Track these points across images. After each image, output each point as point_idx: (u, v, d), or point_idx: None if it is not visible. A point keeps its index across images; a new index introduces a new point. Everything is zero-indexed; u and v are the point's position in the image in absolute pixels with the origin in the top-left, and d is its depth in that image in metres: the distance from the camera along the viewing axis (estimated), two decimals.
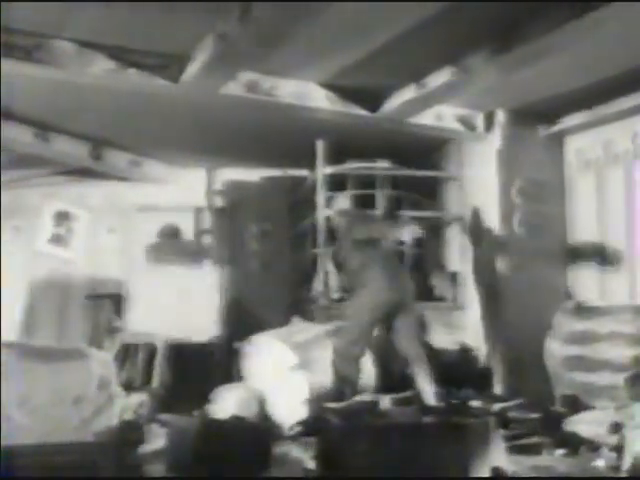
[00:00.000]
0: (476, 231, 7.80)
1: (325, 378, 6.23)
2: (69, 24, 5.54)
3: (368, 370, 6.52)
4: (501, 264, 7.51)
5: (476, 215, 7.80)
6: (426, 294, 7.95)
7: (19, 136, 7.92)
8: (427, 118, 7.31)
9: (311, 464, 4.77)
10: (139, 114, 7.38)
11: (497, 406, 6.18)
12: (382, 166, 8.23)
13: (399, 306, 6.40)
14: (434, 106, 7.14)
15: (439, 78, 6.31)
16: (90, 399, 4.07)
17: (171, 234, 9.39)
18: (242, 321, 8.62)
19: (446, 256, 8.56)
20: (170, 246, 9.38)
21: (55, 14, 5.39)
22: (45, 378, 4.00)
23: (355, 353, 6.31)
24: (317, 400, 5.99)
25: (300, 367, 6.23)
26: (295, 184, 9.24)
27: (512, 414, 5.93)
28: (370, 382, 6.52)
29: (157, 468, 4.72)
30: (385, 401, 6.22)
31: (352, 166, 8.17)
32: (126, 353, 7.38)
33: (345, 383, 6.24)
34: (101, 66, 5.86)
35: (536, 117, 7.53)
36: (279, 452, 5.09)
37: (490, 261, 7.57)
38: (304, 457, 4.99)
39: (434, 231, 8.50)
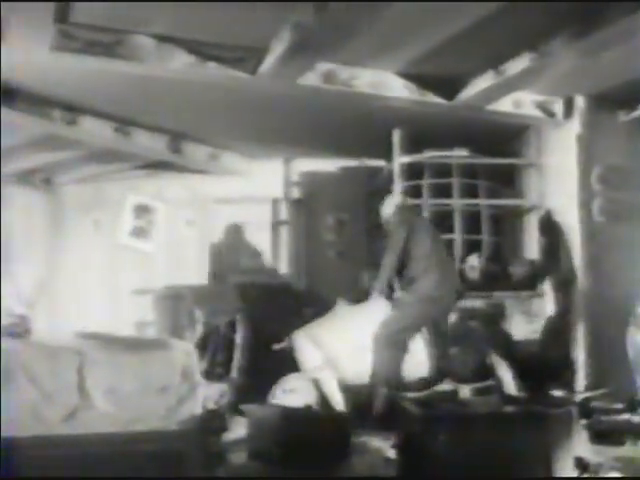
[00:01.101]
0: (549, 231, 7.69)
1: (353, 374, 6.12)
2: (149, 20, 5.62)
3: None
4: (580, 252, 7.40)
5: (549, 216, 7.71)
6: (505, 283, 7.88)
7: (99, 131, 8.06)
8: (505, 105, 7.23)
9: (391, 453, 4.77)
10: (217, 107, 7.45)
11: (580, 396, 6.10)
12: (459, 155, 8.16)
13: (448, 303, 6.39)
14: (512, 93, 7.06)
15: (518, 64, 6.23)
16: (174, 388, 4.12)
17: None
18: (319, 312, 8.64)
19: (525, 244, 8.46)
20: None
21: (135, 10, 5.48)
22: (130, 368, 4.07)
23: (399, 342, 6.16)
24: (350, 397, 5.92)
25: (325, 366, 6.15)
26: (372, 174, 9.23)
27: (595, 404, 5.86)
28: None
29: (239, 456, 4.78)
30: (465, 390, 6.18)
31: (429, 155, 8.13)
32: (206, 343, 7.44)
33: (379, 379, 6.05)
34: (180, 60, 5.93)
35: (616, 102, 7.40)
36: (358, 441, 5.10)
37: (566, 251, 7.47)
38: (384, 446, 4.99)
39: (513, 219, 8.42)
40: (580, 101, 7.40)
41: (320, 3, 5.04)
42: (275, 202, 9.73)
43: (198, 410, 4.20)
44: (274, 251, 9.74)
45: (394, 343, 6.13)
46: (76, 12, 5.46)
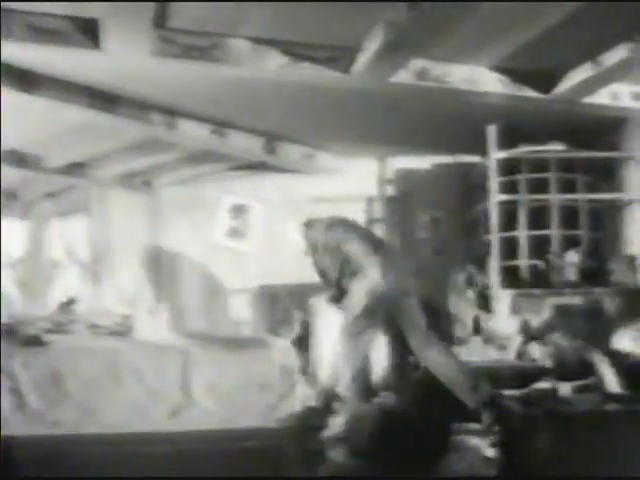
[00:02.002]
0: None
1: None
2: (243, 22, 5.69)
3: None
4: None
5: None
6: (603, 279, 7.74)
7: (196, 133, 8.20)
8: (602, 97, 7.10)
9: (490, 452, 4.74)
10: (311, 107, 7.51)
11: None
12: (556, 149, 8.04)
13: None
14: (610, 84, 6.93)
15: (615, 55, 6.12)
16: (273, 386, 4.18)
17: None
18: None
19: (625, 239, 8.28)
20: None
21: (229, 13, 5.56)
22: (231, 366, 4.14)
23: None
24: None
25: None
26: (466, 170, 9.16)
27: None
28: None
29: (338, 453, 4.81)
30: (565, 388, 6.09)
31: (525, 150, 8.03)
32: (303, 341, 7.50)
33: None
34: (275, 62, 6.00)
35: None
36: (456, 439, 5.08)
37: None
38: (482, 445, 4.96)
39: (612, 214, 8.26)
40: None
41: (414, 0, 5.04)
42: (369, 200, 9.74)
43: (297, 407, 4.24)
44: None
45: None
46: (174, 17, 5.58)
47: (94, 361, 4.00)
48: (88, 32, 5.65)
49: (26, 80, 6.62)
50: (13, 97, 6.68)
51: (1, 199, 9.75)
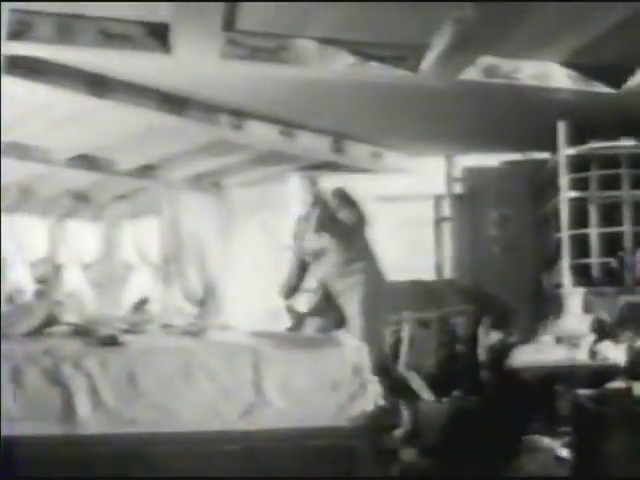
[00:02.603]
0: None
1: None
2: (310, 23, 5.72)
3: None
4: None
5: None
6: None
7: (265, 134, 8.26)
8: None
9: (563, 452, 4.69)
10: (379, 106, 7.51)
11: None
12: (627, 144, 7.92)
13: None
14: None
15: None
16: (345, 385, 4.18)
17: None
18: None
19: None
20: None
21: (296, 14, 5.59)
22: (303, 365, 4.15)
23: None
24: None
25: None
26: (536, 167, 9.07)
27: None
28: None
29: (409, 452, 4.81)
30: (638, 387, 5.99)
31: (595, 146, 7.92)
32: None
33: None
34: (342, 62, 6.01)
35: None
36: (528, 439, 5.04)
37: None
38: (555, 445, 4.92)
39: None
40: None
41: None
42: (438, 199, 9.70)
43: (369, 406, 4.24)
44: (437, 248, 9.72)
45: None
46: (241, 19, 5.62)
47: (168, 361, 4.04)
48: (158, 36, 5.74)
49: (97, 85, 6.75)
50: (85, 102, 6.81)
51: (68, 201, 9.93)
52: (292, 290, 6.52)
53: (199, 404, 3.99)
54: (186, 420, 3.97)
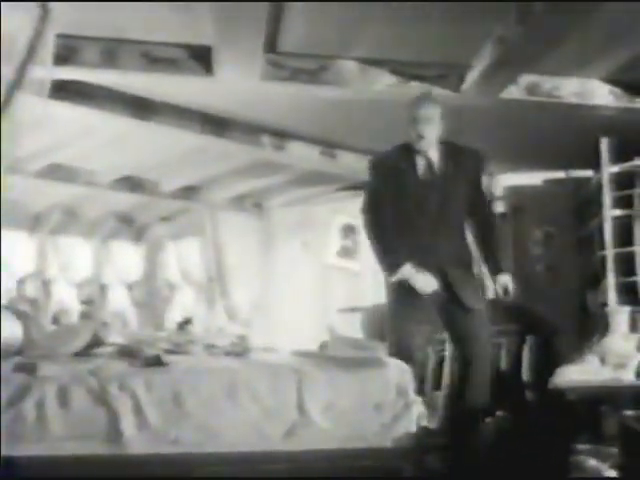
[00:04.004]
0: None
1: None
2: (351, 43, 5.75)
3: None
4: None
5: None
6: None
7: (306, 155, 8.29)
8: None
9: (611, 473, 4.63)
10: None
11: None
12: None
13: None
14: None
15: None
16: (389, 406, 4.18)
17: None
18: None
19: None
20: None
21: (337, 35, 5.63)
22: (346, 385, 4.16)
23: None
24: None
25: None
26: (579, 185, 9.00)
27: None
28: None
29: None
30: None
31: (639, 163, 7.84)
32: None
33: None
34: (383, 82, 6.03)
35: None
36: (576, 460, 4.98)
37: None
38: (602, 466, 4.85)
39: None
40: None
41: (523, 11, 5.00)
42: None
43: (413, 427, 4.23)
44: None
45: None
46: (283, 41, 5.67)
47: (212, 381, 4.06)
48: (201, 59, 5.81)
49: (141, 107, 6.84)
50: (128, 124, 6.89)
51: (112, 222, 10.02)
52: None
53: (243, 424, 4.00)
54: (230, 440, 3.98)
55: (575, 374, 6.43)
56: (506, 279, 5.15)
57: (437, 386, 7.12)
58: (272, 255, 10.21)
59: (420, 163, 5.03)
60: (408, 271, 4.88)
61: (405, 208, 4.98)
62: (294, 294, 9.94)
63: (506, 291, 5.14)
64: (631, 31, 5.48)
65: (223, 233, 10.14)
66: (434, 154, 5.05)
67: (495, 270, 5.17)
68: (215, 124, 7.41)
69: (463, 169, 5.07)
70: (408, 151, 5.05)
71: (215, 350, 5.36)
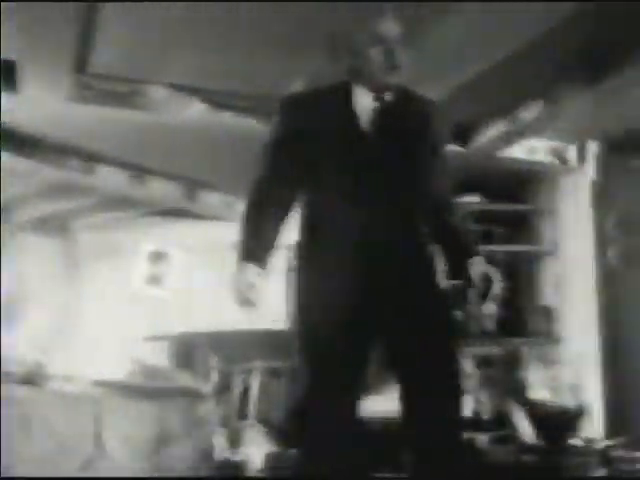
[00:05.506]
0: None
1: None
2: (164, 69, 5.69)
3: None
4: (597, 299, 7.36)
5: None
6: (520, 329, 7.83)
7: (114, 178, 8.12)
8: (519, 151, 7.24)
9: None
10: (233, 155, 7.49)
11: (599, 444, 6.04)
12: (471, 200, 8.15)
13: None
14: (526, 139, 7.08)
15: (530, 111, 6.26)
16: (191, 436, 4.12)
17: None
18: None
19: (540, 289, 8.43)
20: None
21: (150, 59, 5.55)
22: (148, 416, 4.08)
23: None
24: None
25: None
26: None
27: (615, 453, 5.79)
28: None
29: None
30: (481, 439, 6.12)
31: None
32: (222, 390, 7.41)
33: None
34: (195, 109, 5.99)
35: (630, 148, 7.38)
36: None
37: None
38: None
39: (527, 265, 8.39)
40: (594, 147, 7.41)
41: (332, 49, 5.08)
42: (290, 247, 9.74)
43: (217, 457, 4.19)
44: (289, 297, 9.73)
45: None
46: (93, 62, 5.54)
47: (3, 412, 3.87)
48: (6, 74, 5.58)
49: None
50: None
51: None
52: None
53: (36, 457, 3.84)
54: (23, 475, 3.81)
55: (378, 404, 6.55)
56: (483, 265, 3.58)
57: (243, 416, 7.10)
58: (76, 280, 9.91)
59: (363, 112, 3.40)
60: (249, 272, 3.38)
61: (329, 176, 3.42)
62: (99, 321, 9.66)
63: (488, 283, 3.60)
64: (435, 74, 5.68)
65: (25, 255, 9.77)
66: (389, 101, 3.42)
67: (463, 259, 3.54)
68: (20, 143, 7.14)
69: (422, 127, 3.51)
70: (345, 93, 3.46)
71: (9, 378, 5.12)
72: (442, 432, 3.26)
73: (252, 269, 3.36)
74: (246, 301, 3.35)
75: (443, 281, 3.58)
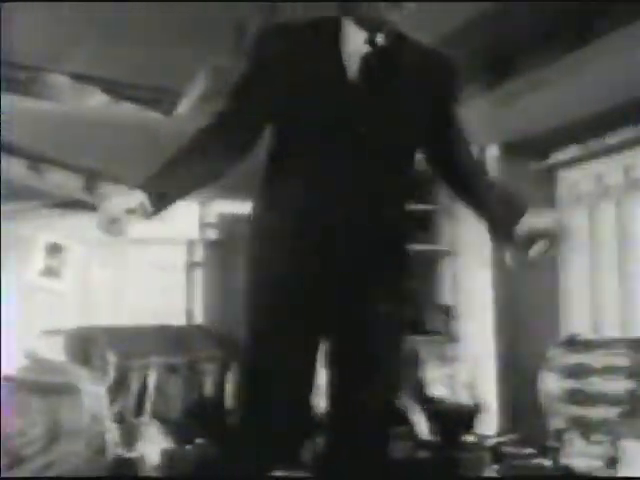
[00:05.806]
0: None
1: None
2: (65, 57, 5.59)
3: None
4: (494, 298, 7.51)
5: None
6: (419, 327, 7.94)
7: (13, 168, 7.94)
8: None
9: None
10: (133, 147, 7.40)
11: (491, 441, 6.16)
12: None
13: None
14: None
15: None
16: (83, 433, 4.05)
17: None
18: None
19: (438, 289, 8.56)
20: None
21: (51, 47, 5.44)
22: (40, 412, 3.99)
23: None
24: None
25: None
26: None
27: (506, 449, 5.91)
28: None
29: None
30: None
31: None
32: (118, 386, 7.31)
33: None
34: (95, 99, 5.90)
35: (529, 151, 7.53)
36: None
37: None
38: None
39: (426, 264, 8.51)
40: (493, 149, 7.53)
41: (236, 41, 5.07)
42: (191, 244, 9.66)
43: (109, 455, 4.12)
44: (189, 293, 9.67)
45: None
46: None
47: None
48: None
49: None
50: None
51: None
52: None
53: None
54: None
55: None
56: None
57: (139, 412, 7.02)
58: None
59: (352, 57, 2.84)
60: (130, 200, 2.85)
61: (297, 131, 2.90)
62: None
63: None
64: None
65: None
66: (383, 45, 2.86)
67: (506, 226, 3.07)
68: None
69: (425, 78, 3.01)
70: (334, 29, 2.87)
71: None
72: (368, 424, 2.96)
73: (136, 198, 2.82)
74: (108, 230, 2.81)
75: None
